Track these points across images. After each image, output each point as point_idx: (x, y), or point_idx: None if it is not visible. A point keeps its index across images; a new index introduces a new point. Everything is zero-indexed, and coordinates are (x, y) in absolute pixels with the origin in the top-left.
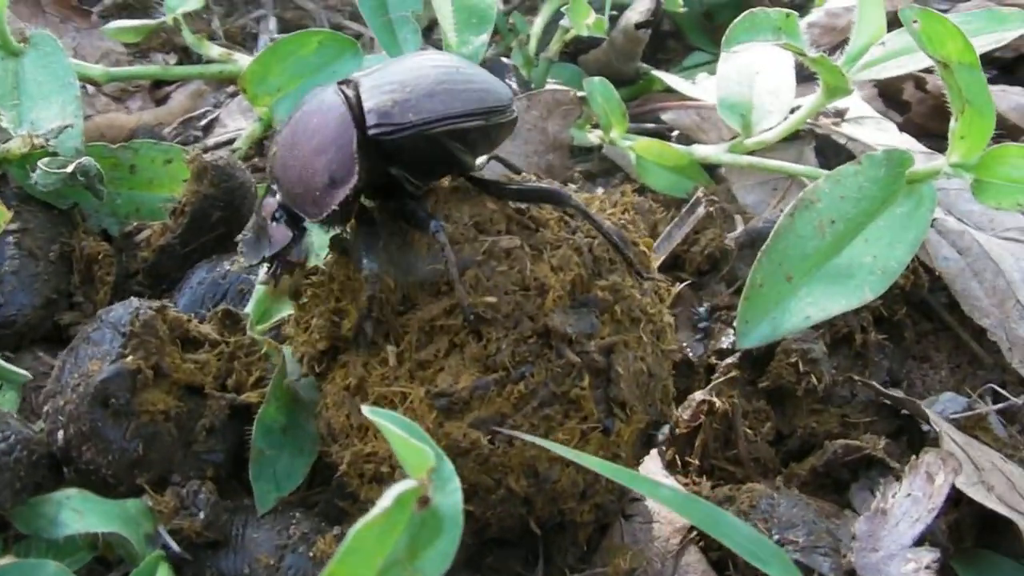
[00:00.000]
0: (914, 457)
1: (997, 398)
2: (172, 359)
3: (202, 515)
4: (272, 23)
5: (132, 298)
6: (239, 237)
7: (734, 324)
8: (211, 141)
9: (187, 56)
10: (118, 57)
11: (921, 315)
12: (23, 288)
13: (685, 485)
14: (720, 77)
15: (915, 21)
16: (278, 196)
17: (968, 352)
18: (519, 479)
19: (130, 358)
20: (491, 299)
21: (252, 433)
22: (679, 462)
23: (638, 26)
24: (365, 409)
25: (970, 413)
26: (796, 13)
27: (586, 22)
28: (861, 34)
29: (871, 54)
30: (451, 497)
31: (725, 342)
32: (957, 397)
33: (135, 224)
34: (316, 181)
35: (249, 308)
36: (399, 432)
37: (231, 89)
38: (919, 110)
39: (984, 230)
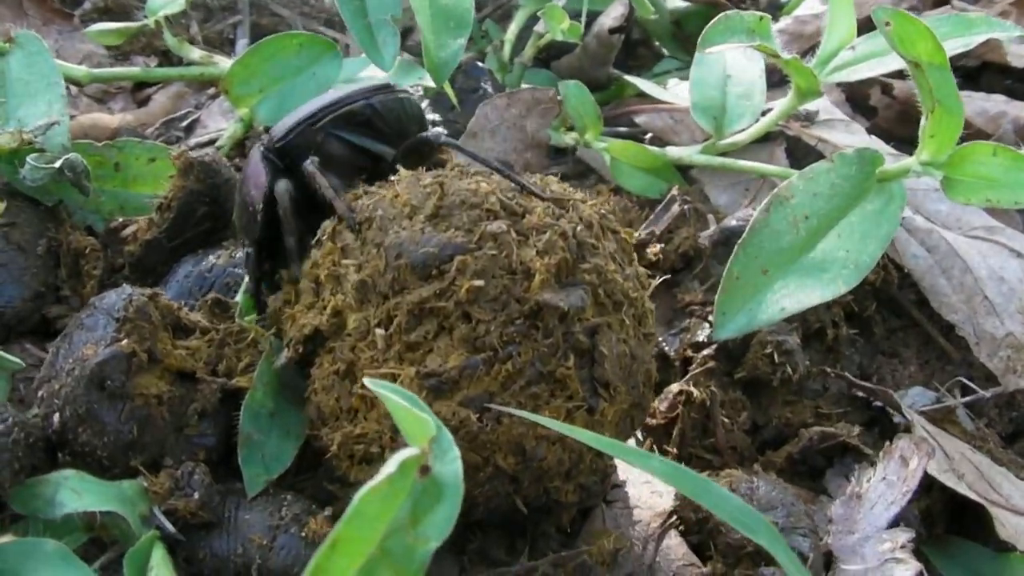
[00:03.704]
0: (888, 443)
1: (964, 392)
2: (164, 345)
3: (197, 495)
4: (248, 28)
5: (124, 285)
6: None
7: (709, 319)
8: (193, 141)
9: (167, 59)
10: (99, 59)
11: (890, 311)
12: (12, 281)
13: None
14: (693, 81)
15: (887, 23)
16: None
17: (936, 348)
18: (507, 457)
19: (125, 342)
20: (479, 282)
21: (240, 418)
22: (656, 451)
23: (611, 31)
24: (367, 381)
25: (939, 406)
26: (769, 16)
27: (561, 27)
28: (832, 38)
29: (841, 58)
30: (451, 465)
31: (700, 336)
32: (926, 391)
33: (120, 220)
34: (248, 200)
35: (238, 297)
36: (401, 402)
37: (211, 91)
38: (886, 115)
39: (951, 229)
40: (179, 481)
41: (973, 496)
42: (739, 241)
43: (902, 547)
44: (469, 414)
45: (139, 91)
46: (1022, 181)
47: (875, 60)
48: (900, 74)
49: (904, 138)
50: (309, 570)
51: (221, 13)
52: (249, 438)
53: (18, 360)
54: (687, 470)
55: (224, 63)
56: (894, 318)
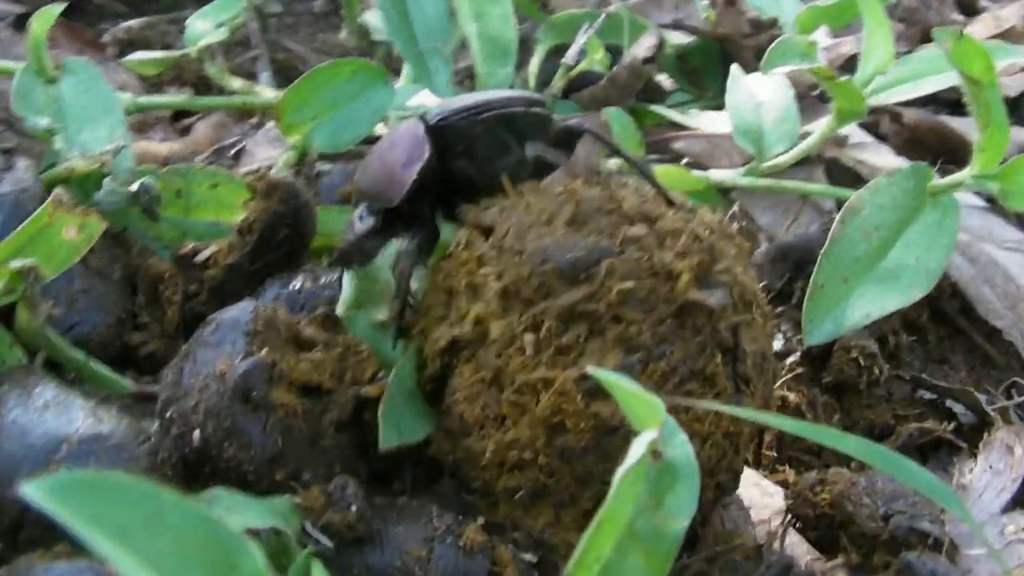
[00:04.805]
0: (986, 434)
1: (1009, 395)
2: (288, 360)
3: (354, 508)
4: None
5: (245, 300)
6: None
7: (781, 328)
8: (243, 169)
9: (201, 90)
10: (133, 90)
11: (939, 320)
12: (95, 307)
13: (770, 473)
14: (731, 106)
15: (948, 43)
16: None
17: (981, 353)
18: None
19: (264, 351)
20: (628, 284)
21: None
22: (757, 454)
23: (645, 61)
24: (590, 369)
25: (997, 406)
26: (818, 42)
27: (596, 57)
28: (870, 62)
29: (876, 82)
30: (681, 448)
31: (777, 345)
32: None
33: (190, 246)
34: (394, 166)
35: (339, 311)
36: (629, 387)
37: (254, 120)
38: (895, 142)
39: (987, 242)
40: (332, 495)
41: None
42: (822, 252)
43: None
44: None
45: (177, 121)
46: None
47: (910, 84)
48: (908, 103)
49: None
50: (579, 550)
51: (236, 48)
52: (392, 400)
53: (130, 382)
54: (880, 447)
55: (266, 92)
56: (942, 327)
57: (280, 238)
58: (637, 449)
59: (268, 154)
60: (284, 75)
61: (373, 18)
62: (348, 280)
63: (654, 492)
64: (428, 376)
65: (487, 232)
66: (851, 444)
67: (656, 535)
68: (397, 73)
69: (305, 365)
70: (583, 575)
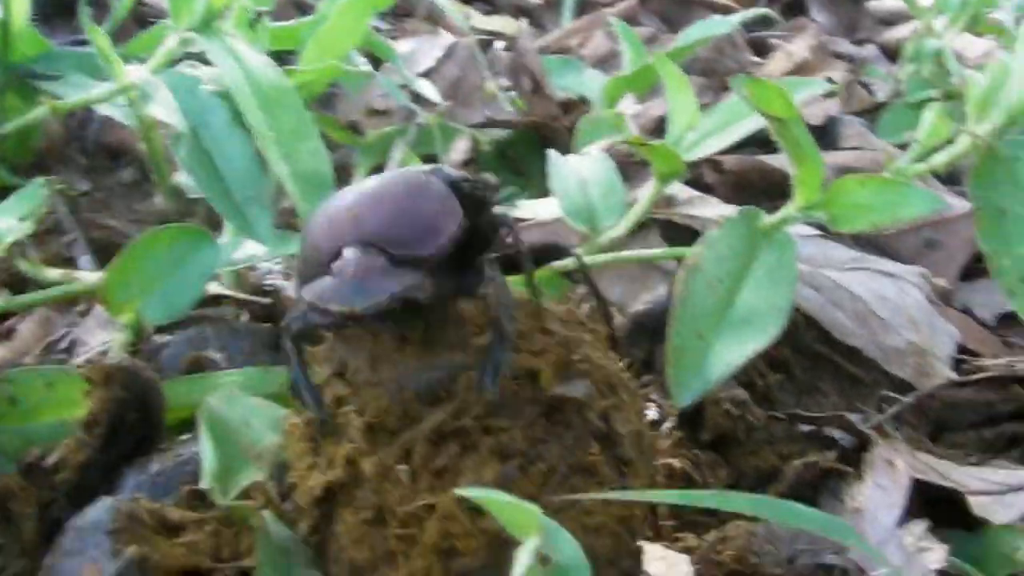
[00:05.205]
0: (865, 454)
1: (880, 409)
2: (160, 549)
3: None
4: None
5: (103, 497)
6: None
7: (652, 398)
8: (78, 360)
9: (17, 288)
10: None
11: (800, 353)
12: None
13: (672, 543)
14: (557, 190)
15: (745, 90)
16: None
17: (847, 375)
18: None
19: (132, 548)
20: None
21: None
22: (654, 530)
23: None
24: (458, 491)
25: (872, 423)
26: (624, 113)
27: None
28: (678, 121)
29: (688, 139)
30: (568, 548)
31: (651, 414)
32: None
33: (36, 453)
34: (428, 212)
35: (204, 484)
36: (502, 500)
37: (80, 307)
38: (721, 191)
39: (826, 268)
40: None
41: (948, 484)
42: (671, 314)
43: (924, 537)
44: None
45: None
46: (894, 201)
47: (719, 134)
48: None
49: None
50: None
51: (48, 236)
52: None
53: None
54: (765, 499)
55: (88, 276)
56: (805, 358)
57: (130, 423)
58: (524, 559)
59: (102, 339)
60: (106, 253)
61: (185, 179)
62: (208, 447)
63: None
64: (308, 529)
65: (340, 372)
66: (739, 503)
67: None
68: (220, 227)
69: (178, 550)
70: None
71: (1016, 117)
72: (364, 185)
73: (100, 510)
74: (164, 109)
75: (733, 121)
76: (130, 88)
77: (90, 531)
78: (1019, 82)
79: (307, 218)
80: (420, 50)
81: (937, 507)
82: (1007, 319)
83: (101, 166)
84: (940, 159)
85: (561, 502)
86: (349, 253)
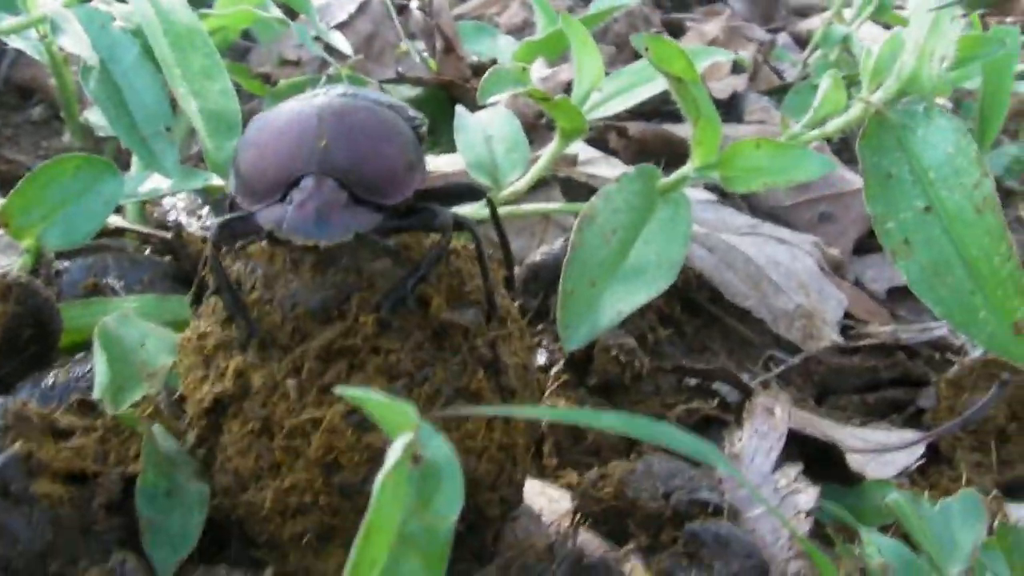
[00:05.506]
0: (748, 401)
1: (767, 369)
2: (46, 449)
3: None
4: None
5: None
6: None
7: (543, 344)
8: None
9: None
10: None
11: (692, 312)
12: None
13: (554, 480)
14: (462, 143)
15: (647, 47)
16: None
17: (738, 336)
18: None
19: (17, 444)
20: (381, 314)
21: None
22: (537, 461)
23: None
24: (339, 389)
25: (759, 379)
26: (528, 67)
27: None
28: (583, 80)
29: (593, 99)
30: (441, 449)
31: (541, 359)
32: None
33: None
34: (394, 164)
35: (97, 395)
36: (377, 397)
37: None
38: (625, 156)
39: (722, 231)
40: (114, 574)
41: (827, 439)
42: (565, 260)
43: (796, 480)
44: None
45: None
46: (786, 164)
47: (623, 96)
48: (632, 115)
49: None
50: (351, 561)
51: None
52: (150, 523)
53: None
54: (637, 418)
55: None
56: (696, 317)
57: (25, 339)
58: (394, 453)
59: (3, 262)
60: (12, 187)
61: (94, 116)
62: (102, 363)
63: (421, 494)
64: (196, 439)
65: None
66: (609, 421)
67: (428, 536)
68: (128, 168)
69: (66, 453)
70: None
71: (907, 86)
72: (330, 105)
73: None
74: (75, 42)
75: (637, 84)
76: (41, 20)
77: None
78: (912, 53)
79: (255, 123)
80: (335, 3)
81: (816, 463)
82: (897, 292)
83: (11, 103)
84: (834, 125)
85: (444, 423)
86: (310, 183)
